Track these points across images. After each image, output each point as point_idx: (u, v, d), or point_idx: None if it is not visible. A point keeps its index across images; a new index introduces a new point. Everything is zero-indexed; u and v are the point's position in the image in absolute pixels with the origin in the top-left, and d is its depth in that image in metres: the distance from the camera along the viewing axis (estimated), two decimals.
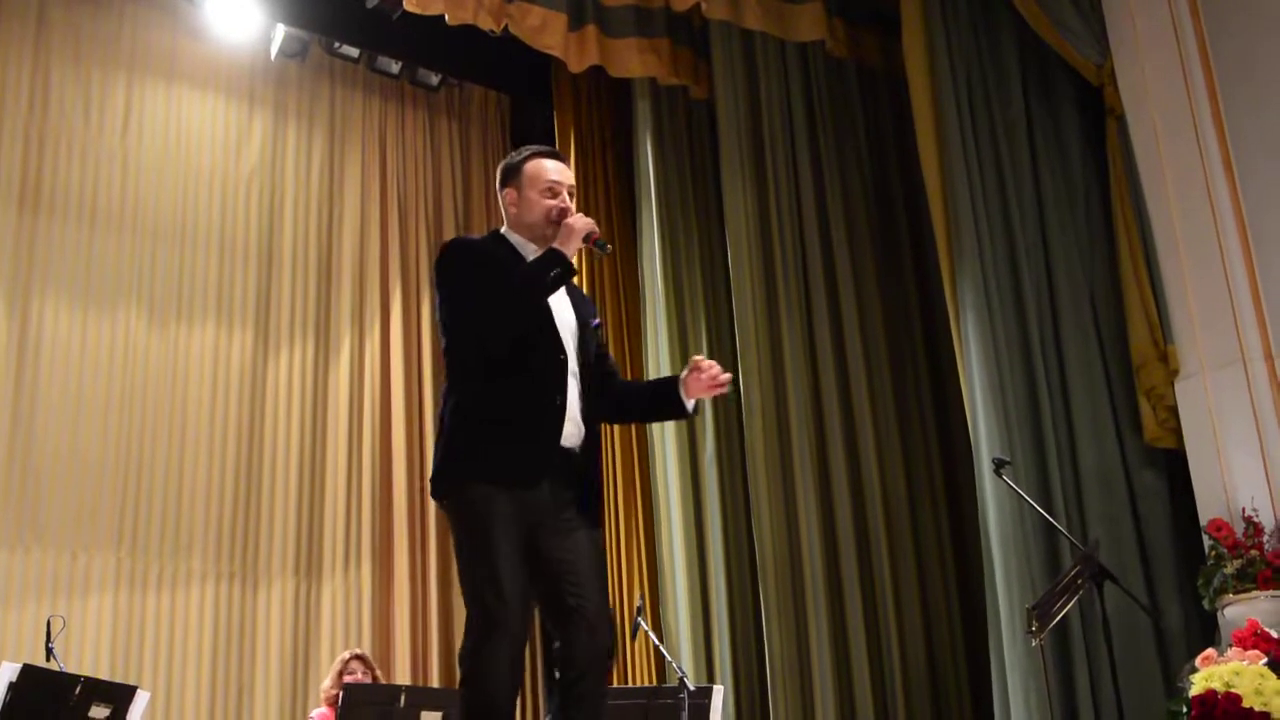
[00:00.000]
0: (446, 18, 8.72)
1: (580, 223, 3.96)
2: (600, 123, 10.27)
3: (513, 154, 4.22)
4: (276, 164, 10.05)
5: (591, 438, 4.03)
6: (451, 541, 3.92)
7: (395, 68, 10.42)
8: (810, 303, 9.05)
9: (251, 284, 9.65)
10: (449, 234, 10.56)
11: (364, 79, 10.58)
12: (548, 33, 9.10)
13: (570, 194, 4.12)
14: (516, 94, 11.17)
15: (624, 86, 9.86)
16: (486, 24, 8.85)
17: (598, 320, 4.25)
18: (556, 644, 3.84)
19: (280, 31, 9.90)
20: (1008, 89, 8.98)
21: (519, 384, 3.88)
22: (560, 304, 4.07)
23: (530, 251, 4.05)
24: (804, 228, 9.19)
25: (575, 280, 4.14)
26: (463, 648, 3.74)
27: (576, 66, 9.29)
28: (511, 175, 4.16)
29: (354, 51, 10.26)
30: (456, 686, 3.81)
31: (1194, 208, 7.90)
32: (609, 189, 10.09)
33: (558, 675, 3.84)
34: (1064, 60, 8.67)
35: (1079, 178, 8.79)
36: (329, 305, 9.92)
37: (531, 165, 4.12)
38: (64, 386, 8.74)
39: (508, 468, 3.79)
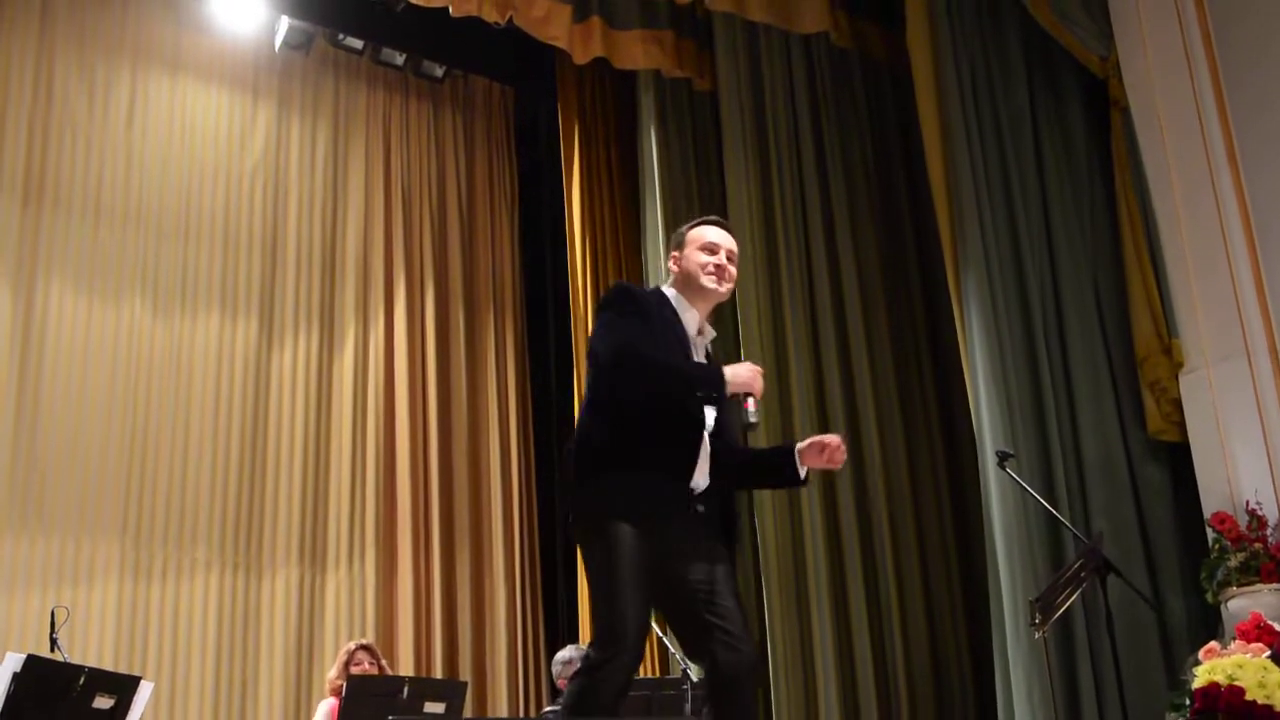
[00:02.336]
0: (451, 9, 8.72)
1: (756, 380, 4.18)
2: (604, 115, 10.26)
3: (684, 226, 4.55)
4: (281, 156, 10.04)
5: (719, 489, 4.22)
6: (581, 562, 4.13)
7: (399, 60, 10.42)
8: (814, 294, 9.05)
9: (256, 275, 9.65)
10: (453, 225, 10.56)
11: (368, 71, 10.58)
12: (552, 24, 9.10)
13: (730, 257, 4.38)
14: (521, 86, 11.17)
15: (628, 78, 9.85)
16: (491, 16, 8.85)
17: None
18: (707, 666, 4.05)
19: (284, 24, 9.89)
20: (1012, 81, 8.97)
21: (663, 437, 4.09)
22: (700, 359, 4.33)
23: (688, 312, 4.33)
24: (808, 219, 9.19)
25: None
26: (588, 658, 3.95)
27: (581, 58, 9.28)
28: (678, 241, 4.47)
29: (358, 43, 10.26)
30: (569, 685, 4.01)
31: (1198, 201, 7.89)
32: (613, 181, 10.09)
33: (707, 691, 4.07)
34: (1069, 53, 8.67)
35: (1083, 170, 8.79)
36: (333, 296, 9.92)
37: (696, 230, 4.45)
38: (69, 377, 8.74)
39: (646, 512, 4.00)
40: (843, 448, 4.26)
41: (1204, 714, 5.79)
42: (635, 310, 4.24)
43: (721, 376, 4.12)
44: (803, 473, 4.31)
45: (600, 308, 4.35)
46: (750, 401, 4.16)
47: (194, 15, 9.78)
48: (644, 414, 4.09)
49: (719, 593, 4.03)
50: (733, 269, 4.39)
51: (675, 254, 4.44)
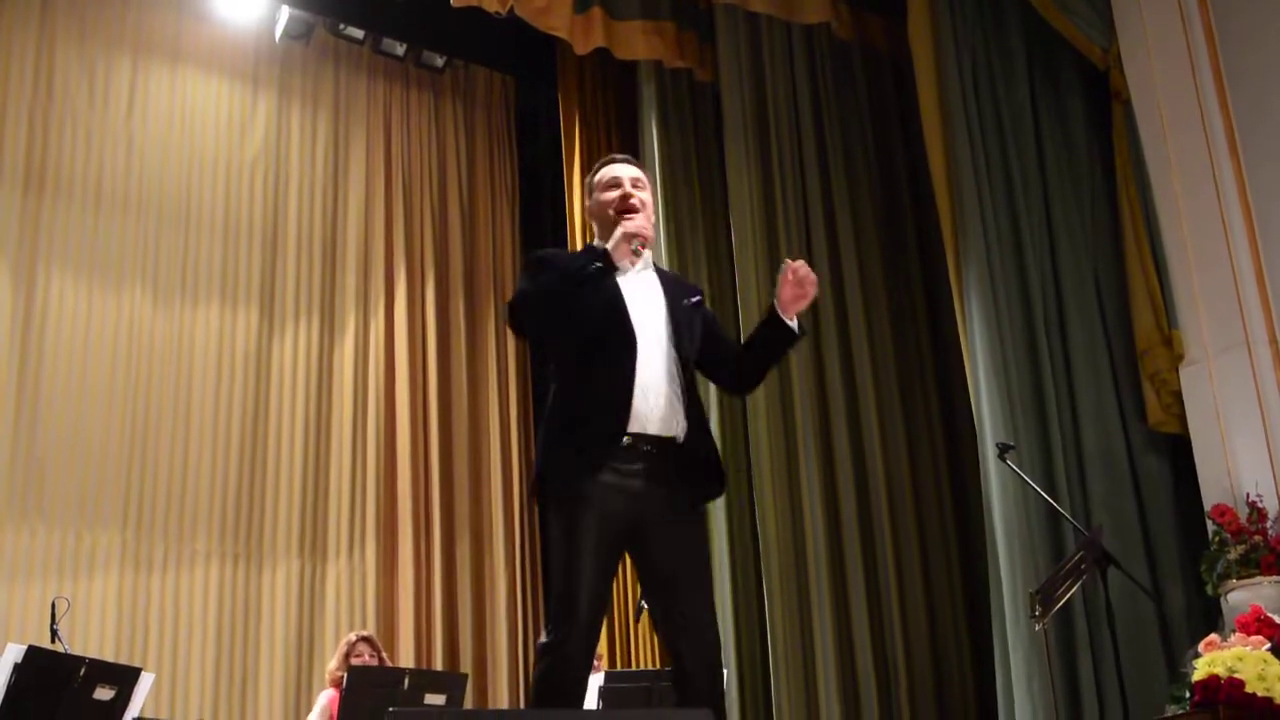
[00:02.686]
0: (451, 0, 8.71)
1: (630, 225, 4.01)
2: (605, 105, 10.24)
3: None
4: (281, 146, 10.04)
5: (696, 424, 4.04)
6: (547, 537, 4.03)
7: (400, 50, 10.41)
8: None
9: (256, 265, 9.66)
10: (453, 216, 10.56)
11: (369, 61, 10.57)
12: (553, 14, 9.08)
13: (635, 184, 4.20)
14: (521, 76, 11.16)
15: (629, 69, 9.83)
16: (492, 6, 8.83)
17: (697, 298, 4.26)
18: (668, 645, 3.94)
19: (285, 13, 9.89)
20: (1013, 73, 8.97)
21: (588, 378, 3.95)
22: (641, 295, 4.10)
23: None
24: (808, 211, 9.19)
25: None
26: (541, 643, 3.83)
27: (582, 49, 9.26)
28: (588, 190, 4.33)
29: (359, 33, 10.25)
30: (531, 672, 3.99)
31: (1199, 192, 7.89)
32: None
33: (673, 678, 3.94)
34: (1070, 44, 8.65)
35: (1084, 162, 8.78)
36: (334, 286, 9.92)
37: (598, 174, 4.30)
38: (69, 367, 8.75)
39: (583, 463, 3.85)
40: (806, 268, 4.11)
41: (1204, 706, 5.79)
42: (539, 263, 4.11)
43: (598, 249, 3.99)
44: (793, 324, 4.13)
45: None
46: (639, 245, 3.99)
47: (194, 5, 9.78)
48: (568, 358, 3.97)
49: (682, 576, 3.89)
50: (643, 195, 4.18)
51: (587, 204, 4.31)
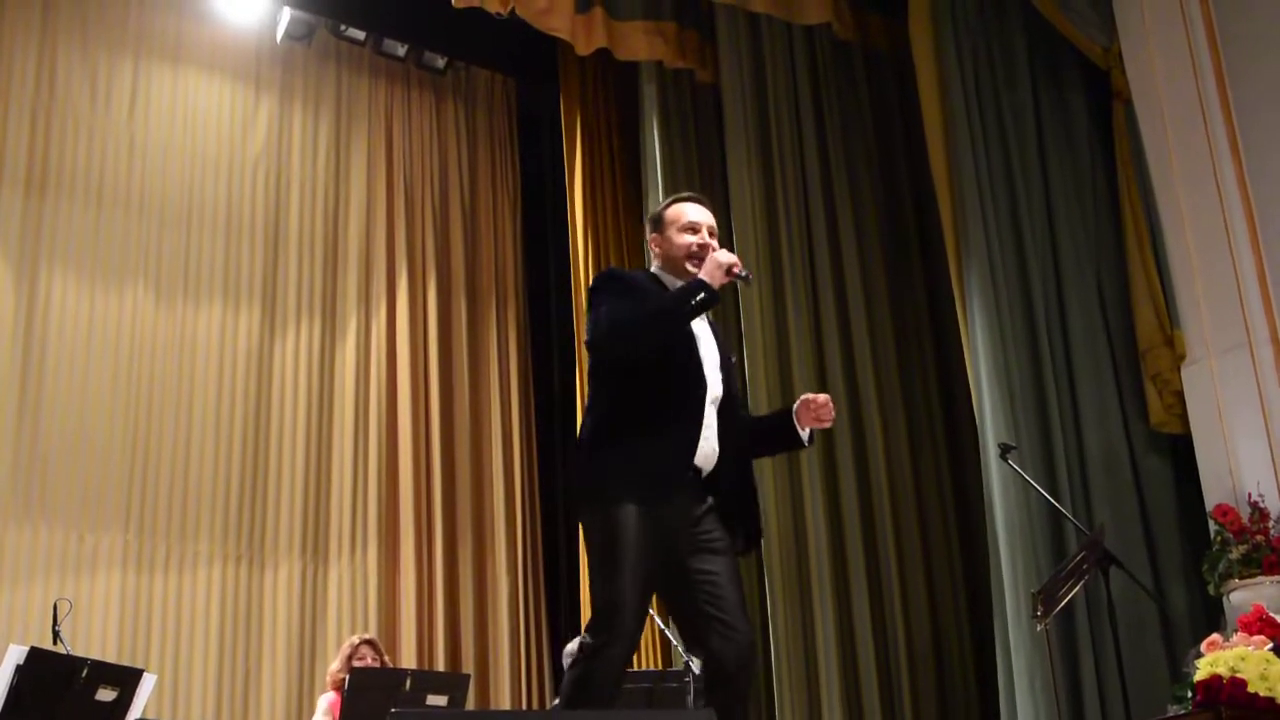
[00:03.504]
0: (453, 1, 8.71)
1: (724, 255, 4.14)
2: (606, 106, 10.25)
3: (659, 205, 4.52)
4: (283, 147, 10.04)
5: (732, 464, 4.19)
6: (586, 545, 4.11)
7: (401, 51, 10.40)
8: (816, 286, 9.04)
9: (258, 265, 9.66)
10: (455, 216, 10.56)
11: (370, 62, 10.57)
12: (554, 15, 9.09)
13: (711, 233, 4.33)
14: (523, 77, 11.16)
15: (630, 70, 9.83)
16: (493, 6, 8.83)
17: (734, 358, 4.46)
18: (703, 656, 4.03)
19: (286, 14, 9.89)
20: (1014, 72, 8.97)
21: (659, 404, 4.07)
22: (704, 338, 4.26)
23: (678, 285, 4.23)
24: (809, 211, 9.19)
25: None
26: (584, 644, 3.93)
27: (583, 49, 9.27)
28: (656, 221, 4.42)
29: (360, 34, 10.24)
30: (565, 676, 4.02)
31: (1201, 192, 7.88)
32: (615, 172, 10.08)
33: (704, 682, 4.03)
34: (1071, 43, 8.65)
35: (1086, 161, 8.78)
36: (335, 287, 9.92)
37: (673, 209, 4.39)
38: (71, 367, 8.75)
39: (648, 484, 3.98)
40: (830, 405, 4.24)
41: (1206, 706, 5.78)
42: (624, 288, 4.21)
43: (699, 281, 4.08)
44: (804, 434, 4.30)
45: (590, 293, 4.28)
46: (735, 270, 4.11)
47: (196, 6, 9.78)
48: (641, 383, 4.06)
49: (719, 582, 3.99)
50: (715, 245, 4.30)
51: (655, 235, 4.39)
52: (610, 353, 4.15)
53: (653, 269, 4.41)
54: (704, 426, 4.09)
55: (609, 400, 4.14)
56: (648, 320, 4.08)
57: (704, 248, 4.26)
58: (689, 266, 4.23)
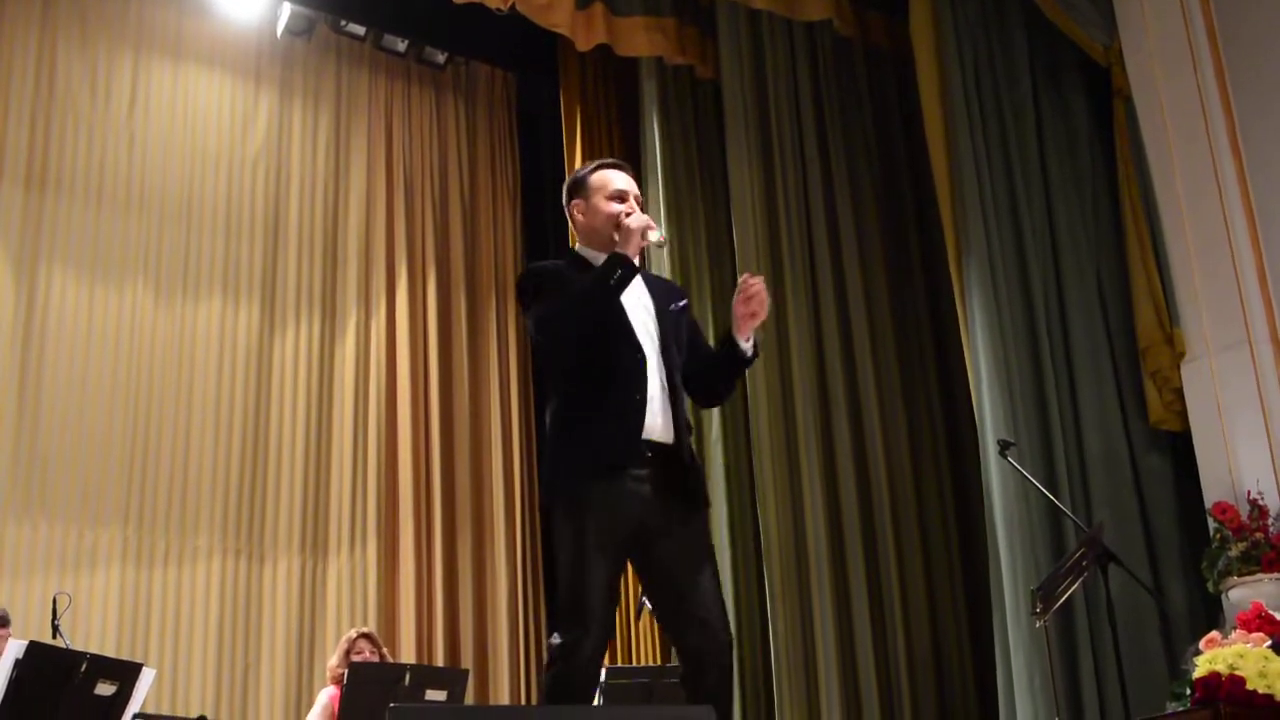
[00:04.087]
0: None
1: (636, 221, 4.02)
2: (606, 102, 10.25)
3: (578, 169, 4.34)
4: (283, 142, 10.04)
5: (685, 430, 4.07)
6: (554, 540, 4.01)
7: (401, 46, 10.40)
8: (816, 283, 9.05)
9: (258, 261, 9.65)
10: (455, 212, 10.55)
11: (370, 57, 10.56)
12: (555, 11, 9.09)
13: (637, 201, 4.20)
14: (523, 73, 11.16)
15: (630, 65, 9.83)
16: (493, 2, 8.84)
17: (683, 302, 4.29)
18: (679, 651, 3.96)
19: (286, 10, 9.88)
20: (1015, 70, 8.97)
21: (600, 387, 3.96)
22: (635, 301, 4.12)
23: (601, 261, 4.06)
24: (810, 208, 9.19)
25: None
26: (551, 645, 3.85)
27: (583, 45, 9.27)
28: (578, 187, 4.25)
29: (360, 30, 10.24)
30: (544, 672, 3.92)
31: (1201, 190, 7.89)
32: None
33: (682, 675, 3.95)
34: (1071, 41, 8.65)
35: (1086, 159, 8.78)
36: (335, 283, 9.92)
37: (597, 175, 4.23)
38: (71, 363, 8.75)
39: (601, 469, 3.87)
40: (760, 285, 4.10)
41: (1204, 703, 5.79)
42: (542, 282, 4.10)
43: (618, 254, 3.95)
44: (746, 347, 4.13)
45: (517, 298, 4.20)
46: (650, 231, 4.01)
47: (196, 1, 9.77)
48: (578, 369, 3.97)
49: (691, 571, 3.91)
50: (649, 221, 4.12)
51: (578, 202, 4.22)
52: (549, 350, 4.06)
53: (576, 248, 4.28)
54: (648, 398, 3.97)
55: (556, 394, 4.06)
56: (570, 309, 3.95)
57: (630, 215, 4.09)
58: (615, 235, 4.07)
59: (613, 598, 3.90)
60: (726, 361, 4.21)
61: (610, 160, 4.36)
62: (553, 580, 9.88)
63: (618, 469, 3.88)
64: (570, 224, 4.29)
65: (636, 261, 3.99)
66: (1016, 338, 8.33)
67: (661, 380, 4.04)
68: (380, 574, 9.34)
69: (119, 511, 8.67)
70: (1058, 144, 8.83)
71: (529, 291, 4.11)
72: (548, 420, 4.10)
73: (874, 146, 9.70)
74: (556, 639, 3.83)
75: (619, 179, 4.22)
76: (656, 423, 3.98)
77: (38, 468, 8.47)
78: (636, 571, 4.08)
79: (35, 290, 8.75)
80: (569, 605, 3.84)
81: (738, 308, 4.11)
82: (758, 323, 4.15)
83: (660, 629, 4.19)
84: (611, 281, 3.92)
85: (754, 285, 4.10)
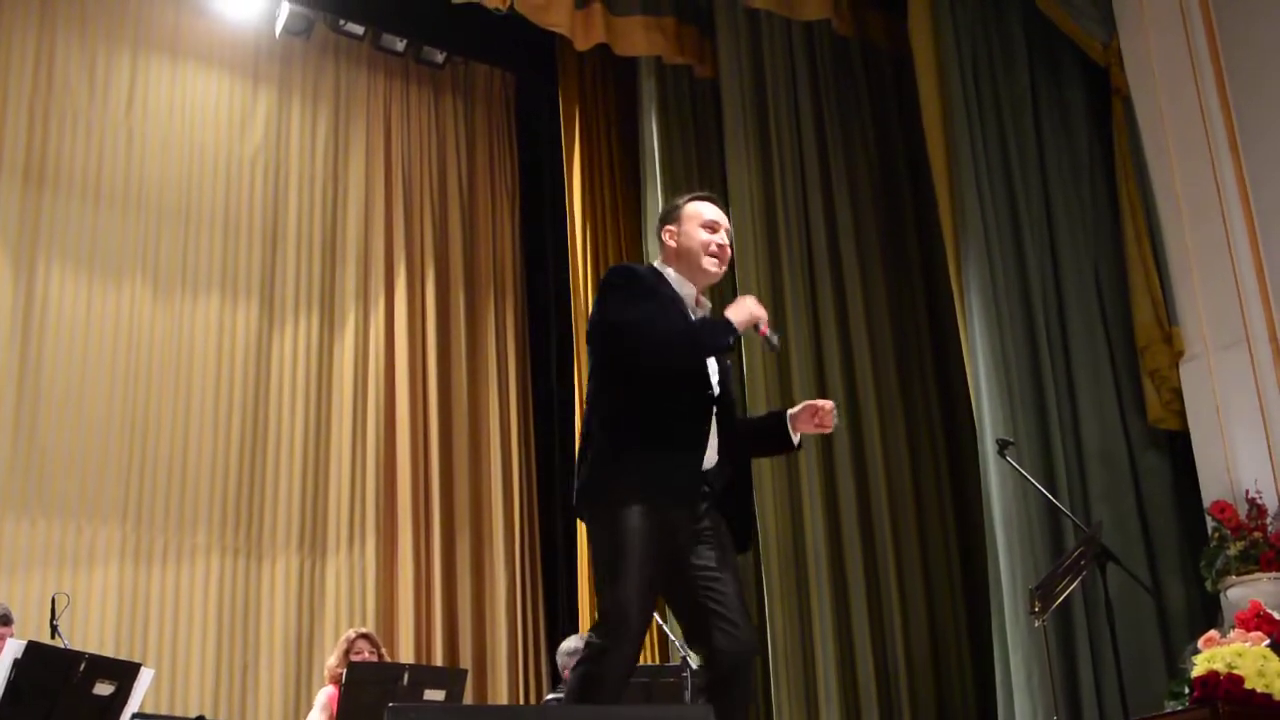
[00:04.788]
0: None
1: (757, 308, 4.19)
2: (605, 101, 10.25)
3: (675, 199, 4.50)
4: (281, 141, 10.04)
5: (729, 464, 4.19)
6: (589, 546, 4.11)
7: (400, 45, 10.40)
8: (815, 282, 9.05)
9: (256, 260, 9.65)
10: (454, 211, 10.55)
11: (369, 57, 10.56)
12: (553, 11, 9.09)
13: (728, 235, 4.35)
14: (522, 72, 11.16)
15: (629, 65, 9.84)
16: (492, 2, 8.84)
17: (729, 361, 4.43)
18: (704, 653, 4.03)
19: (285, 9, 9.88)
20: (1013, 68, 8.97)
21: (671, 412, 4.07)
22: None
23: (685, 288, 4.27)
24: (808, 206, 9.19)
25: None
26: (591, 644, 3.94)
27: (582, 45, 9.27)
28: (672, 214, 4.40)
29: (359, 29, 10.24)
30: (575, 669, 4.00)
31: (1199, 189, 7.88)
32: (614, 167, 10.08)
33: (705, 679, 4.02)
34: (1070, 39, 8.65)
35: (1084, 157, 8.78)
36: (334, 282, 9.92)
37: (692, 205, 4.38)
38: (70, 361, 8.75)
39: (659, 489, 3.99)
40: (834, 412, 4.24)
41: (1203, 702, 5.79)
42: (638, 287, 4.21)
43: (727, 320, 4.12)
44: (795, 439, 4.30)
45: (602, 288, 4.30)
46: (763, 328, 4.16)
47: (194, 0, 9.77)
48: (650, 388, 4.05)
49: (721, 579, 4.00)
50: (729, 247, 4.35)
51: (671, 229, 4.36)
52: (630, 359, 4.12)
53: (656, 264, 4.40)
54: (711, 431, 4.12)
55: (617, 401, 4.13)
56: (674, 344, 4.09)
57: (722, 248, 4.28)
58: (705, 264, 4.26)
59: (650, 612, 4.03)
60: (774, 440, 4.39)
61: (703, 194, 4.50)
62: (552, 578, 9.94)
63: (678, 502, 4.02)
64: (659, 248, 4.41)
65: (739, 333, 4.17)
66: (1015, 336, 8.33)
67: (719, 420, 4.18)
68: (379, 573, 9.34)
69: (117, 509, 8.67)
70: (1056, 142, 8.83)
71: (626, 290, 4.22)
72: (598, 423, 4.16)
73: (872, 145, 9.70)
74: (595, 639, 3.94)
75: (710, 210, 4.36)
76: (710, 456, 4.11)
77: (36, 465, 8.47)
78: (668, 580, 4.14)
79: (33, 287, 8.75)
80: (610, 616, 3.93)
81: (804, 422, 4.28)
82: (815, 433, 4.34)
83: (683, 630, 4.26)
84: (721, 344, 4.13)
85: (830, 415, 4.25)
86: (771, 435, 4.36)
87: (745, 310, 4.16)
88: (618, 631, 3.89)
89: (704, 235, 4.29)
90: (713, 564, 4.02)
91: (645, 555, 3.92)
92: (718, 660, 3.95)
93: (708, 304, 4.36)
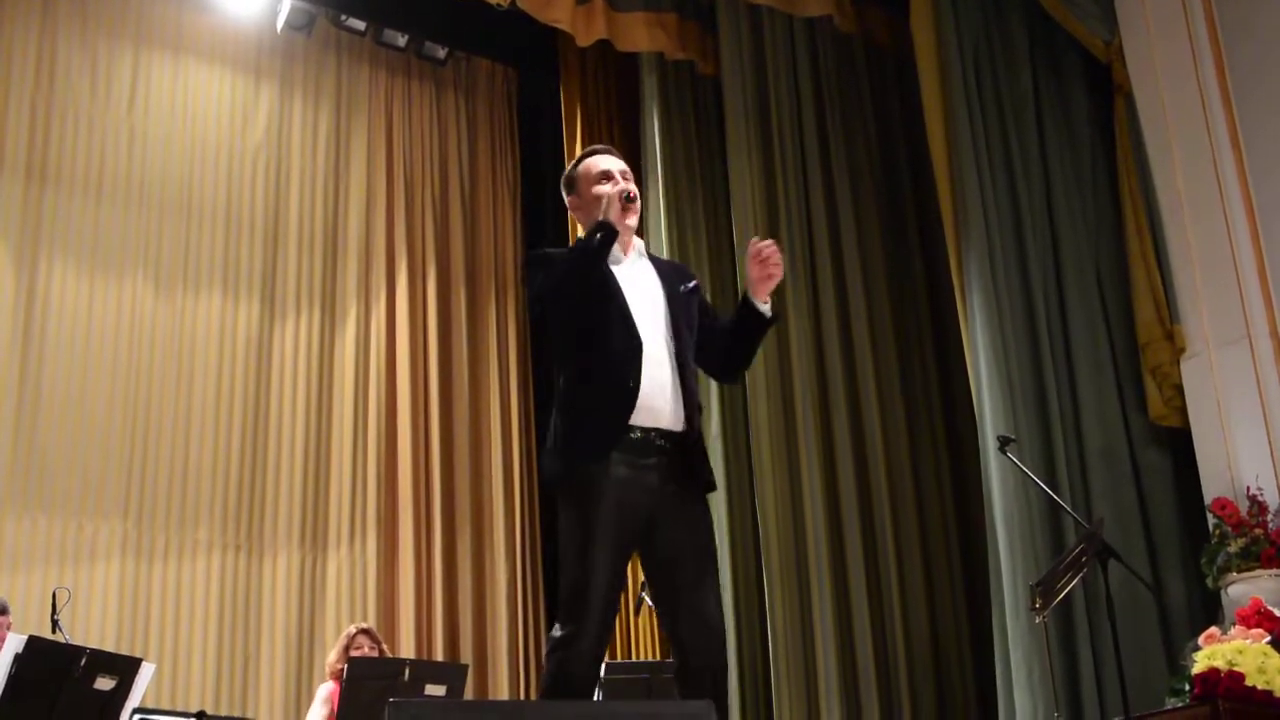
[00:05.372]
0: None
1: (612, 189, 4.06)
2: (607, 97, 10.25)
3: (568, 168, 4.35)
4: (283, 137, 10.04)
5: (695, 414, 4.05)
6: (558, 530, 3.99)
7: (402, 41, 10.40)
8: (816, 280, 9.04)
9: (258, 256, 9.66)
10: (455, 207, 10.56)
11: (370, 52, 10.57)
12: (555, 7, 9.09)
13: (625, 176, 4.19)
14: (523, 68, 11.16)
15: (631, 61, 9.83)
16: None
17: (693, 283, 4.25)
18: (673, 645, 3.94)
19: (286, 4, 9.87)
20: (1015, 66, 8.96)
21: (598, 374, 3.94)
22: (639, 286, 4.11)
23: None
24: (810, 204, 9.18)
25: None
26: (553, 636, 3.83)
27: (584, 40, 9.27)
28: (570, 183, 4.28)
29: (360, 25, 10.25)
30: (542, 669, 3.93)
31: (1201, 186, 7.88)
32: None
33: (675, 671, 3.93)
34: (1072, 37, 8.64)
35: (1086, 155, 8.77)
36: (335, 278, 9.92)
37: (584, 164, 4.26)
38: (71, 357, 8.76)
39: (603, 457, 3.85)
40: (773, 247, 4.07)
41: (1203, 699, 5.79)
42: (542, 259, 4.13)
43: (601, 220, 3.97)
44: (764, 308, 4.11)
45: (525, 284, 4.20)
46: (630, 191, 4.07)
47: None
48: (577, 354, 3.98)
49: (692, 566, 3.89)
50: (632, 187, 4.15)
51: (572, 198, 4.25)
52: (547, 328, 4.05)
53: (580, 236, 4.25)
54: (644, 382, 3.92)
55: (561, 383, 4.04)
56: (560, 278, 3.96)
57: (623, 191, 4.09)
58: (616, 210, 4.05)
59: (616, 590, 3.88)
60: (745, 326, 4.19)
61: (594, 147, 4.37)
62: (554, 573, 9.91)
63: (620, 458, 3.86)
64: (575, 221, 4.30)
65: (622, 223, 4.01)
66: (1016, 333, 8.33)
67: (672, 364, 4.01)
68: (380, 568, 9.35)
69: (118, 505, 8.68)
70: (1058, 139, 8.82)
71: (528, 269, 4.15)
72: (556, 403, 4.07)
73: (874, 142, 9.69)
74: (556, 631, 3.81)
75: (604, 160, 4.23)
76: (665, 409, 3.95)
77: (37, 461, 8.48)
78: (641, 563, 4.04)
79: (35, 284, 8.75)
80: (569, 598, 3.81)
81: (752, 271, 4.08)
82: (774, 284, 4.12)
83: (659, 623, 4.14)
84: (595, 242, 3.93)
85: (766, 248, 4.08)
86: (744, 321, 4.16)
87: (604, 202, 4.00)
88: (578, 619, 3.77)
89: (602, 188, 4.12)
90: (689, 552, 3.90)
91: (609, 537, 3.81)
92: (685, 654, 3.86)
93: (640, 243, 4.25)
